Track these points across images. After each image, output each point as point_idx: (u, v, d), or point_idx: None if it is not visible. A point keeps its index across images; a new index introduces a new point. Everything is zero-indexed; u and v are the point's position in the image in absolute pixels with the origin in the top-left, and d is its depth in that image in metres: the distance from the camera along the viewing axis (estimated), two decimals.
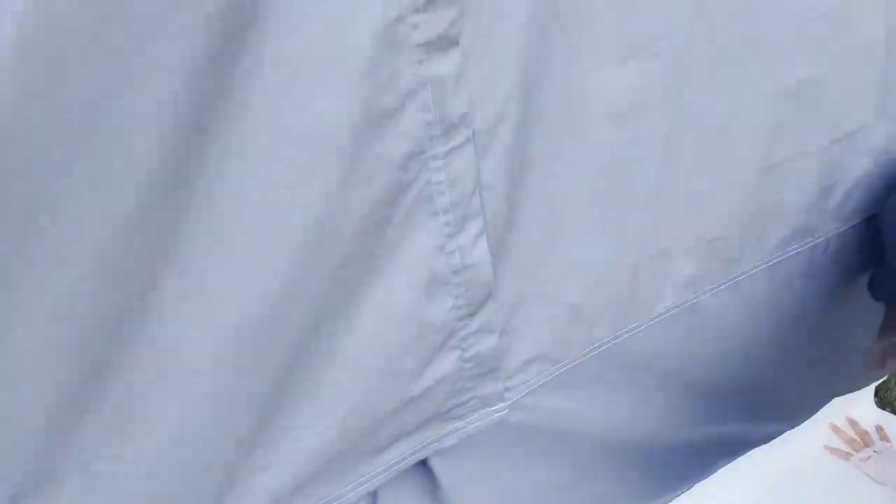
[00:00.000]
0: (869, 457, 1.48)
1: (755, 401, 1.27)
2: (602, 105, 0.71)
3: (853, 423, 1.63)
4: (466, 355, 0.74)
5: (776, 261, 1.00)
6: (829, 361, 1.35)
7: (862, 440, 1.60)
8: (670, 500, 1.21)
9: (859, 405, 1.66)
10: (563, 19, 0.64)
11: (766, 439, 1.36)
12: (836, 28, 0.84)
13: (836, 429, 1.63)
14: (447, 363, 0.73)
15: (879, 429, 1.61)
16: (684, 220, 0.86)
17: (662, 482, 1.17)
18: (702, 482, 1.24)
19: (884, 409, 1.77)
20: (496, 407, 0.82)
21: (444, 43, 0.56)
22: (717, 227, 0.90)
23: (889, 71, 0.92)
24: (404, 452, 0.78)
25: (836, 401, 1.50)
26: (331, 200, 0.56)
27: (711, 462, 1.23)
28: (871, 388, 1.70)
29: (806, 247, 1.03)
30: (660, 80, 0.73)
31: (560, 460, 0.98)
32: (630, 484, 1.12)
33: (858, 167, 1.00)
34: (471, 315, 0.72)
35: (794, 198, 0.95)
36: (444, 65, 0.56)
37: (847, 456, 1.55)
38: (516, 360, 0.81)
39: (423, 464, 0.83)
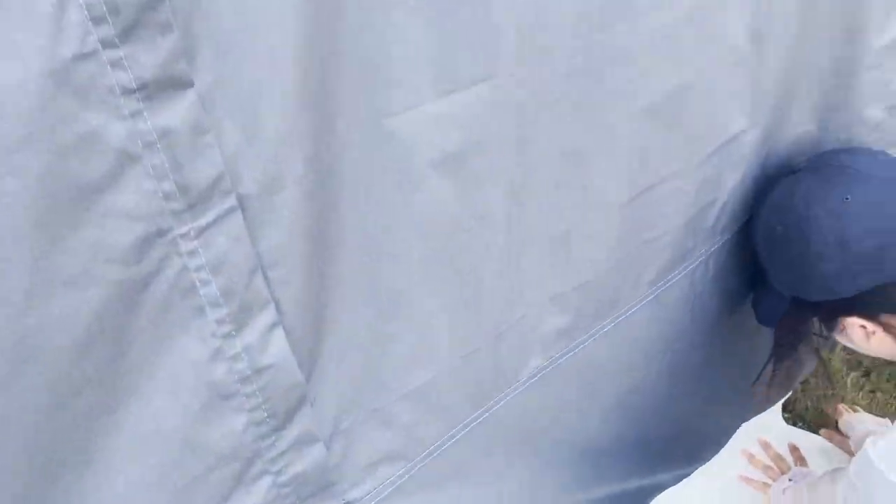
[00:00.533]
0: (785, 488, 1.41)
1: (657, 445, 1.16)
2: (425, 151, 0.57)
3: (766, 447, 1.57)
4: (282, 479, 0.58)
5: (657, 293, 0.89)
6: (729, 388, 1.27)
7: (777, 466, 1.54)
8: None
9: (771, 426, 1.61)
10: (352, 45, 0.49)
11: (677, 480, 1.27)
12: (699, 34, 0.74)
13: (750, 457, 1.57)
14: (256, 495, 0.56)
15: (793, 449, 1.55)
16: (547, 270, 0.73)
17: None
18: None
19: (796, 425, 1.71)
20: None
21: (168, 84, 0.40)
22: (585, 270, 0.77)
23: (757, 73, 0.83)
24: None
25: (747, 424, 1.43)
26: (20, 317, 0.39)
27: None
28: (779, 405, 1.66)
29: (686, 271, 0.93)
30: (495, 113, 0.60)
31: None
32: None
33: (733, 178, 0.90)
34: (278, 429, 0.56)
35: (669, 223, 0.84)
36: (174, 114, 0.41)
37: (764, 487, 1.48)
38: (358, 466, 0.66)
39: None
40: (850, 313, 0.87)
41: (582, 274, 0.77)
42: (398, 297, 0.61)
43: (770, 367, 1.04)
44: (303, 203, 0.50)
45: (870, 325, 0.85)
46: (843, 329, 0.89)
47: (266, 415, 0.54)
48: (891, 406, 1.67)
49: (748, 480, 1.48)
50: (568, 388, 0.86)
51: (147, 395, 0.47)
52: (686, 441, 1.26)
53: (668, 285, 0.89)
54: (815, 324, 0.93)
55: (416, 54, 0.52)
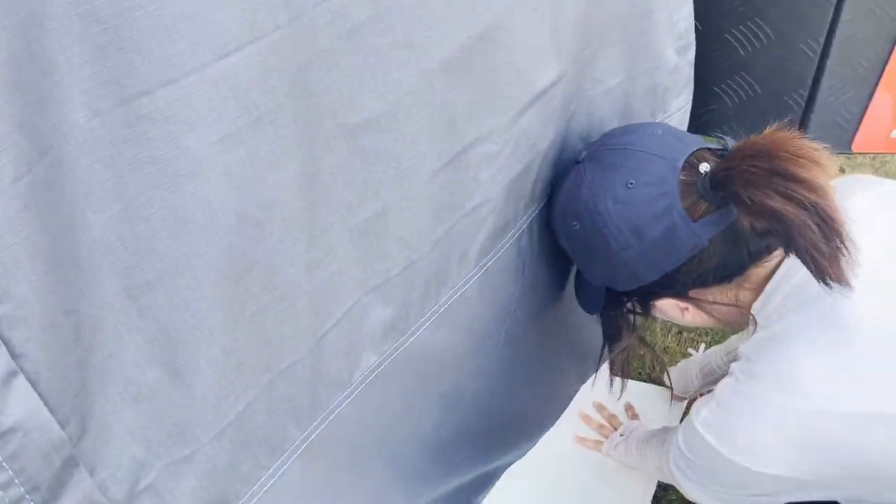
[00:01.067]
0: (617, 444, 1.45)
1: (503, 428, 1.13)
2: (191, 132, 0.47)
3: (601, 408, 1.60)
4: None
5: (486, 266, 0.84)
6: (569, 356, 1.27)
7: (611, 424, 1.57)
8: None
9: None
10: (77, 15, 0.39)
11: (522, 456, 1.25)
12: None
13: (585, 418, 1.59)
14: None
15: (628, 407, 1.59)
16: (363, 257, 0.65)
17: None
18: None
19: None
20: None
21: None
22: (407, 251, 0.70)
23: (557, 20, 0.79)
24: None
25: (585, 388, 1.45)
26: None
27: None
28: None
29: (512, 240, 0.88)
30: (269, 80, 0.51)
31: None
32: None
33: (547, 138, 0.86)
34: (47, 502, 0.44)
35: (488, 191, 0.79)
36: None
37: (597, 445, 1.51)
38: None
39: None
40: (660, 296, 0.87)
41: (403, 255, 0.70)
42: (182, 320, 0.50)
43: (607, 353, 1.03)
44: (23, 214, 0.39)
45: (681, 303, 0.86)
46: (659, 309, 0.90)
47: (24, 490, 0.42)
48: (696, 343, 1.78)
49: (583, 441, 1.50)
50: (408, 382, 0.79)
51: None
52: (531, 418, 1.25)
53: (495, 257, 0.84)
54: (633, 306, 0.93)
55: (172, 21, 0.43)
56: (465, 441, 1.01)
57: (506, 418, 1.13)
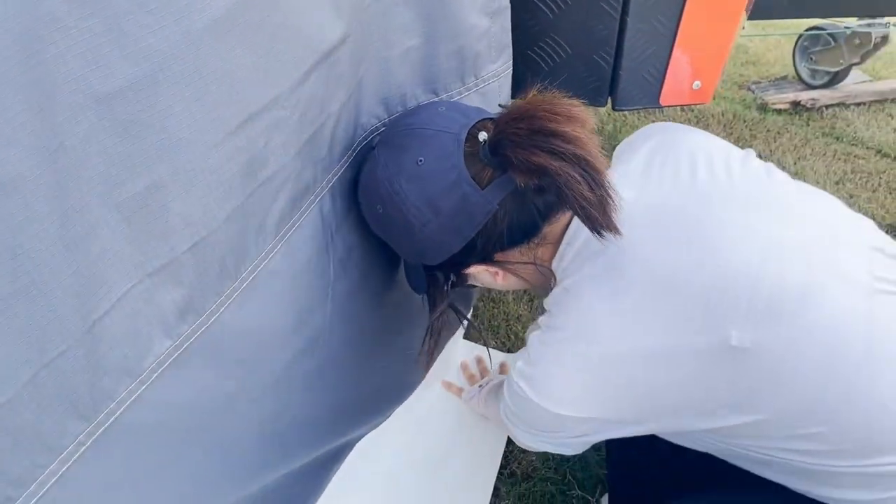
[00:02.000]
0: (473, 396, 1.53)
1: (356, 402, 1.12)
2: None
3: (479, 361, 1.70)
4: None
5: (288, 236, 0.81)
6: (417, 320, 1.27)
7: (481, 376, 1.66)
8: None
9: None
10: None
11: (377, 426, 1.26)
12: None
13: (463, 366, 1.69)
14: None
15: (502, 365, 1.68)
16: (137, 236, 0.62)
17: None
18: None
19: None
20: None
21: None
22: (194, 227, 0.67)
23: None
24: None
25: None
26: None
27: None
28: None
29: (313, 206, 0.86)
30: None
31: None
32: None
33: (338, 99, 0.84)
34: None
35: (281, 157, 0.76)
36: None
37: (459, 391, 1.61)
38: None
39: None
40: (468, 265, 0.89)
41: (189, 232, 0.67)
42: None
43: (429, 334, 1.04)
44: None
45: (490, 268, 0.88)
46: (473, 277, 0.92)
47: None
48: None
49: (448, 385, 1.59)
50: (223, 364, 0.76)
51: None
52: (380, 394, 1.25)
53: (296, 225, 0.82)
54: (450, 278, 0.95)
55: None
56: (306, 423, 0.99)
57: (357, 394, 1.12)
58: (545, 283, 0.91)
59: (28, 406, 0.55)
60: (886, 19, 2.91)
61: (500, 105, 1.06)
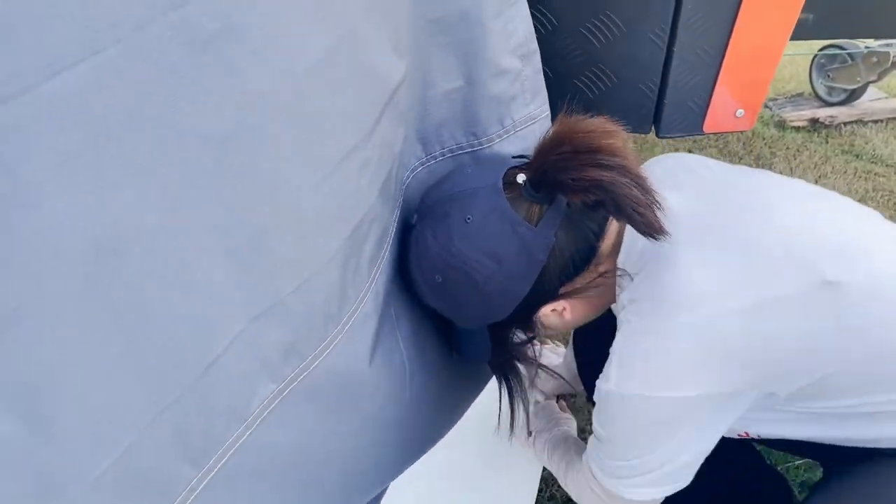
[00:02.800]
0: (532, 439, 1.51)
1: (417, 438, 1.11)
2: (28, 154, 0.42)
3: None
4: None
5: (376, 275, 0.81)
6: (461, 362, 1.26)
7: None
8: None
9: None
10: None
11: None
12: None
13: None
14: None
15: (559, 400, 1.66)
16: (247, 279, 0.62)
17: None
18: None
19: None
20: None
21: None
22: (295, 270, 0.67)
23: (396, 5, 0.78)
24: None
25: None
26: None
27: None
28: None
29: (389, 245, 0.86)
30: (111, 95, 0.47)
31: None
32: None
33: (398, 138, 0.85)
34: None
35: (368, 198, 0.77)
36: None
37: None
38: None
39: None
40: (536, 309, 0.89)
41: (294, 274, 0.67)
42: (40, 363, 0.45)
43: (507, 404, 1.04)
44: None
45: (557, 305, 0.88)
46: (542, 323, 0.92)
47: None
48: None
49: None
50: (318, 410, 0.75)
51: None
52: (444, 421, 1.24)
53: (383, 261, 0.82)
54: (517, 335, 0.95)
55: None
56: (382, 461, 0.99)
57: (421, 427, 1.11)
58: (612, 296, 0.91)
59: (146, 452, 0.55)
60: None
61: (519, 156, 1.04)
